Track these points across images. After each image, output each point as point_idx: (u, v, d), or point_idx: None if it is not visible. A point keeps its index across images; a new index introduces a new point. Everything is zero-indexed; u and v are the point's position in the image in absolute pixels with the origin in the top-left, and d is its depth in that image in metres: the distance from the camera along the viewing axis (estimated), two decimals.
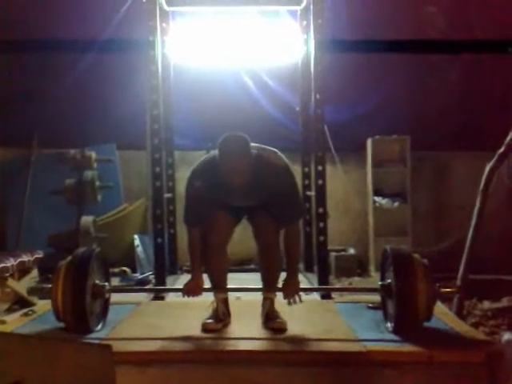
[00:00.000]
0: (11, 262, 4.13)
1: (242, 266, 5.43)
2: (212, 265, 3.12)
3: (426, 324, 2.93)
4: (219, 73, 5.64)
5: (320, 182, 4.17)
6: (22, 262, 4.29)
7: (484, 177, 4.50)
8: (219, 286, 3.15)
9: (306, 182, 4.94)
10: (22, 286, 4.04)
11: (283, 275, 3.13)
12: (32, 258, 4.46)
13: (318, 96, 4.18)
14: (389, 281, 2.99)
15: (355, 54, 5.70)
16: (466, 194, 5.21)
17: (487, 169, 4.52)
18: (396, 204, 6.08)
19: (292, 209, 3.03)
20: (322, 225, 4.14)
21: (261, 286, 3.18)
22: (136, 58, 5.07)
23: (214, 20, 5.04)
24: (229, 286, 3.22)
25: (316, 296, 3.92)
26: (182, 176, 3.22)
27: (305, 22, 4.60)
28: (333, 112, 5.04)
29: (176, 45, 5.01)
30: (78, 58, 5.65)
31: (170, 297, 3.90)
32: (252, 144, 2.89)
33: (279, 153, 3.06)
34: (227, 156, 2.80)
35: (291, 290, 3.07)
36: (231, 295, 3.31)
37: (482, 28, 5.61)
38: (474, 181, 4.72)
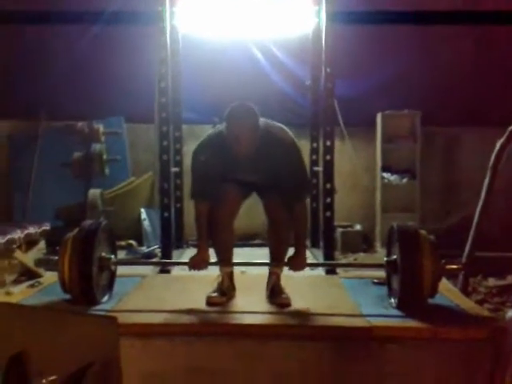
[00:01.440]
0: (18, 234, 4.16)
1: (247, 240, 5.44)
2: (218, 239, 3.12)
3: (430, 300, 2.93)
4: (228, 45, 5.57)
5: (328, 157, 4.14)
6: (29, 234, 4.33)
7: (494, 153, 4.45)
8: (225, 260, 3.16)
9: (314, 157, 4.91)
10: (29, 258, 4.08)
11: (290, 251, 3.13)
12: (39, 230, 4.49)
13: (328, 70, 4.12)
14: (394, 257, 2.99)
15: (367, 26, 5.60)
16: (476, 170, 5.16)
17: (497, 145, 4.46)
18: (404, 180, 6.05)
19: (298, 186, 3.02)
20: (328, 200, 4.12)
21: (266, 261, 3.19)
22: (145, 29, 5.03)
23: None
24: (234, 261, 3.23)
25: (321, 271, 3.93)
26: (190, 150, 3.21)
27: None
28: (343, 86, 4.99)
29: (185, 16, 4.93)
30: (86, 29, 5.62)
31: (176, 270, 3.91)
32: (261, 119, 2.87)
33: (286, 129, 3.04)
34: (235, 123, 2.79)
35: (298, 265, 3.08)
36: (236, 269, 3.32)
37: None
38: (483, 157, 4.67)
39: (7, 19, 5.29)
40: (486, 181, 4.45)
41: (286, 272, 3.14)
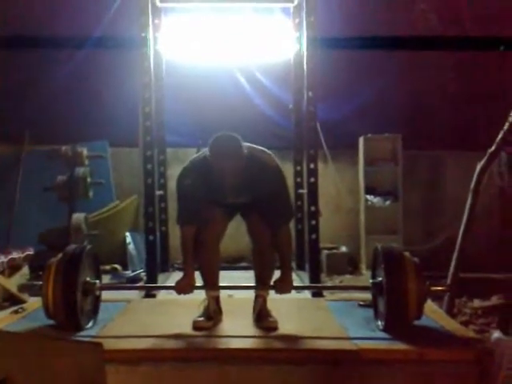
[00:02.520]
0: (1, 259, 4.12)
1: (233, 263, 5.43)
2: (204, 262, 3.11)
3: (416, 322, 2.94)
4: (212, 70, 5.64)
5: (312, 179, 4.18)
6: (13, 259, 4.28)
7: (475, 176, 4.51)
8: (211, 284, 3.14)
9: (298, 179, 4.94)
10: (12, 283, 4.02)
11: (276, 274, 3.13)
12: (23, 255, 4.45)
13: (310, 94, 4.18)
14: (380, 279, 3.00)
15: (348, 51, 5.71)
16: (457, 193, 5.23)
17: (478, 168, 4.53)
18: (387, 202, 6.11)
19: (282, 210, 3.04)
20: (313, 223, 4.14)
21: (253, 284, 3.18)
22: (128, 54, 5.06)
23: (207, 16, 5.02)
24: (220, 284, 3.22)
25: (307, 294, 3.93)
26: (174, 173, 3.21)
27: (297, 20, 4.60)
28: (325, 110, 5.04)
29: (168, 41, 4.98)
30: (70, 54, 5.64)
31: (162, 294, 3.89)
32: (245, 144, 2.89)
33: (271, 153, 3.07)
34: (219, 157, 2.80)
35: (284, 287, 3.08)
36: (223, 293, 3.30)
37: (474, 25, 5.63)
38: (465, 180, 4.74)
39: None
40: (468, 202, 4.51)
41: (272, 295, 3.14)
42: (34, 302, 3.52)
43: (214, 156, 2.82)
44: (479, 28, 5.66)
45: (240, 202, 3.09)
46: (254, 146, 3.03)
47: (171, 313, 3.34)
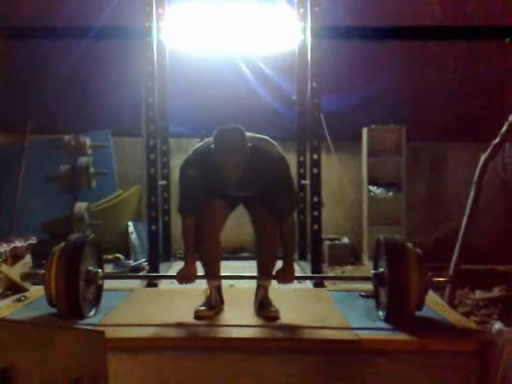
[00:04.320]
0: (4, 248, 4.12)
1: (235, 253, 5.44)
2: (205, 252, 3.11)
3: (417, 313, 2.94)
4: (215, 60, 5.61)
5: (315, 170, 4.17)
6: (15, 248, 4.29)
7: (478, 167, 4.51)
8: (212, 274, 3.15)
9: (301, 170, 4.94)
10: (14, 272, 4.03)
11: (278, 264, 3.13)
12: (25, 244, 4.46)
13: (314, 84, 4.16)
14: (381, 270, 3.00)
15: (352, 41, 5.67)
16: (461, 184, 5.22)
17: (482, 159, 4.53)
18: (390, 193, 6.09)
19: (286, 201, 3.03)
20: (316, 213, 4.14)
21: (254, 274, 3.19)
22: (132, 44, 5.04)
23: (211, 6, 5.01)
24: (222, 274, 3.22)
25: (309, 284, 3.93)
26: (177, 163, 3.21)
27: (302, 10, 4.58)
28: (329, 101, 5.03)
29: (172, 31, 4.97)
30: (74, 44, 5.62)
31: (164, 284, 3.90)
32: (247, 134, 2.87)
33: (274, 143, 3.06)
34: (222, 150, 2.78)
35: (286, 278, 3.08)
36: (224, 283, 3.31)
37: (479, 16, 5.60)
38: (468, 171, 4.73)
39: None
40: (471, 194, 4.50)
41: (274, 285, 3.14)
42: (36, 291, 3.54)
43: (217, 149, 2.80)
44: (485, 18, 5.62)
45: (243, 193, 3.08)
46: (257, 135, 3.02)
47: (173, 302, 3.35)
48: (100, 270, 3.19)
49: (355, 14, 5.61)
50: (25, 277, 3.32)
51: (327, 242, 5.53)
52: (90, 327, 2.74)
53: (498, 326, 2.79)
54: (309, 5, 4.23)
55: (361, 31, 5.47)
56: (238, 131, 2.83)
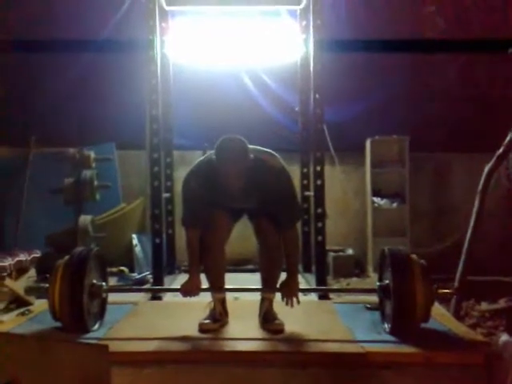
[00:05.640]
0: (9, 261, 4.12)
1: (239, 266, 5.41)
2: (209, 265, 3.11)
3: (423, 325, 2.92)
4: (218, 73, 5.64)
5: (319, 182, 4.17)
6: (20, 262, 4.28)
7: (482, 178, 4.49)
8: (217, 286, 3.14)
9: (305, 182, 4.93)
10: (19, 286, 4.03)
11: (283, 276, 3.12)
12: (29, 258, 4.45)
13: (317, 96, 4.17)
14: (387, 282, 2.99)
15: (354, 53, 5.69)
16: (465, 195, 5.21)
17: (486, 170, 4.51)
18: (394, 204, 6.08)
19: (289, 212, 3.03)
20: (320, 225, 4.13)
21: (259, 287, 3.18)
22: (135, 57, 5.07)
23: (214, 19, 5.03)
24: (226, 287, 3.21)
25: (314, 297, 3.91)
26: (181, 176, 3.21)
27: (304, 22, 4.60)
28: (332, 112, 5.04)
29: (175, 44, 4.99)
30: (78, 57, 5.65)
31: (168, 297, 3.89)
32: (250, 146, 2.88)
33: (277, 155, 3.06)
34: (225, 161, 2.79)
35: (290, 291, 3.07)
36: (229, 295, 3.30)
37: (482, 28, 5.61)
38: (472, 182, 4.72)
39: None
40: (476, 205, 4.49)
41: (278, 297, 3.13)
42: (40, 305, 3.53)
43: (219, 160, 2.80)
44: (486, 30, 5.63)
45: (246, 205, 3.08)
46: (260, 148, 3.02)
47: (177, 315, 3.34)
48: (104, 284, 3.19)
49: (357, 26, 5.63)
50: (29, 290, 3.31)
51: (331, 254, 5.51)
52: (94, 341, 2.74)
53: (504, 337, 2.76)
54: (311, 17, 4.25)
55: (363, 44, 5.50)
56: (239, 140, 2.84)
